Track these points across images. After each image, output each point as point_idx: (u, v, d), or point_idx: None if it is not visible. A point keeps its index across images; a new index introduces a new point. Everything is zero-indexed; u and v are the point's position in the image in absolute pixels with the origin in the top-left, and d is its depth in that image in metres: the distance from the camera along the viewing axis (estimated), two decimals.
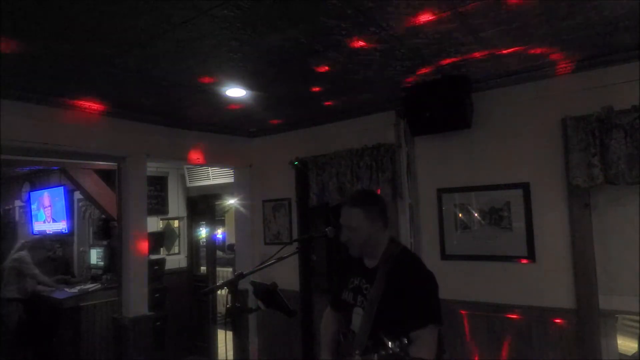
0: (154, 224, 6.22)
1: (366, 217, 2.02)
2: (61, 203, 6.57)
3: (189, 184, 6.58)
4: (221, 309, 6.19)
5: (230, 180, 5.51)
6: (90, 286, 5.38)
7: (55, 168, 6.51)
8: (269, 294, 2.29)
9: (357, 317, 2.04)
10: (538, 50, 2.82)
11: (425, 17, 2.29)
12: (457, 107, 3.33)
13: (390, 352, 1.78)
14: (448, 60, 2.96)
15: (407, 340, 1.81)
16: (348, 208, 2.07)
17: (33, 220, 7.35)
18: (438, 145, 3.71)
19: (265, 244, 4.96)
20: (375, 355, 1.70)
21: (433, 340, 1.91)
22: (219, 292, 2.36)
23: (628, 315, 3.05)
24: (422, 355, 1.83)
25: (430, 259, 3.64)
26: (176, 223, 6.62)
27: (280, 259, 2.28)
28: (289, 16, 2.22)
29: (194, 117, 4.32)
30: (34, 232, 7.41)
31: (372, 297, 1.97)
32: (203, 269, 6.58)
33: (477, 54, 2.85)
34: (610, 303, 2.96)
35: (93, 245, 6.26)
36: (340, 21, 2.29)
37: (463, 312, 3.46)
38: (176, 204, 6.57)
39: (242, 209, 5.20)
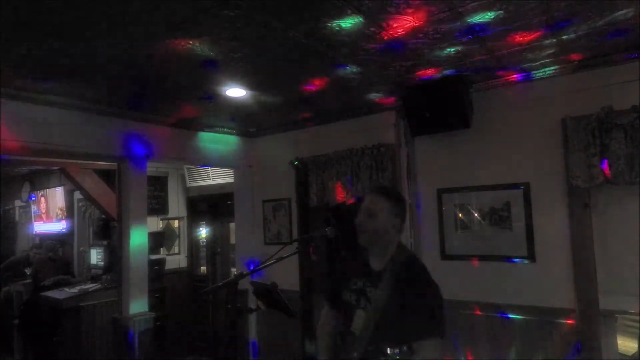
0: (154, 224, 6.22)
1: (389, 208, 1.99)
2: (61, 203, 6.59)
3: (189, 184, 6.58)
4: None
5: (230, 180, 5.51)
6: (90, 286, 5.37)
7: (56, 168, 6.51)
8: (269, 294, 2.29)
9: (359, 320, 1.99)
10: (538, 50, 2.82)
11: (425, 17, 2.29)
12: (457, 107, 3.33)
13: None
14: (448, 61, 2.95)
15: (410, 349, 1.81)
16: (376, 195, 2.05)
17: (33, 220, 7.36)
18: (438, 145, 3.71)
19: (265, 244, 4.96)
20: None
21: (435, 351, 1.88)
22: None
23: (628, 315, 3.05)
24: None
25: (430, 259, 3.64)
26: (176, 223, 6.61)
27: (280, 259, 2.28)
28: (289, 16, 2.22)
29: (194, 117, 4.32)
30: (34, 232, 7.42)
31: (377, 302, 1.93)
32: (203, 269, 6.58)
33: (477, 54, 2.85)
34: (610, 303, 2.96)
35: (93, 245, 6.25)
36: (341, 21, 2.30)
37: (463, 312, 3.46)
38: (176, 204, 6.57)
39: (242, 208, 5.20)
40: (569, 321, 3.05)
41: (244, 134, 5.02)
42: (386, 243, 2.01)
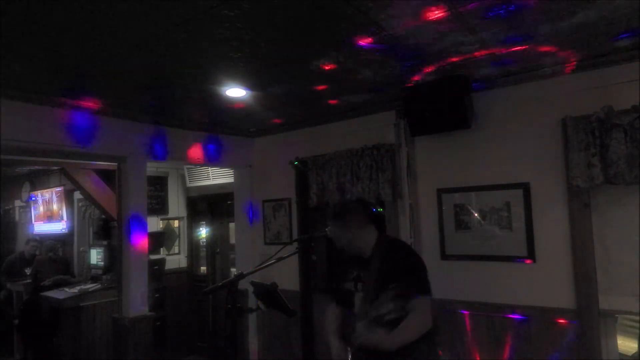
0: (154, 224, 6.22)
1: (340, 227, 2.36)
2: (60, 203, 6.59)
3: (189, 184, 6.58)
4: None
5: (230, 180, 5.51)
6: (90, 286, 5.38)
7: (56, 168, 6.51)
8: (269, 294, 2.29)
9: (358, 302, 2.32)
10: (538, 50, 2.82)
11: (425, 17, 2.29)
12: (457, 107, 3.33)
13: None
14: (448, 60, 2.95)
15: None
16: (330, 223, 2.44)
17: (33, 220, 7.36)
18: (438, 145, 3.71)
19: (265, 244, 4.96)
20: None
21: (426, 309, 2.19)
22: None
23: (628, 315, 3.05)
24: (416, 324, 2.15)
25: (430, 259, 3.63)
26: (176, 223, 6.61)
27: (280, 259, 2.29)
28: (289, 16, 2.22)
29: (194, 117, 4.32)
30: (34, 232, 7.42)
31: (369, 281, 2.27)
32: (203, 269, 6.58)
33: (477, 54, 2.85)
34: (610, 303, 2.96)
35: (93, 245, 6.25)
36: (341, 21, 2.30)
37: (463, 312, 3.46)
38: (176, 204, 6.57)
39: (242, 209, 5.20)
40: (569, 321, 3.06)
41: (243, 134, 5.02)
42: (361, 242, 2.35)
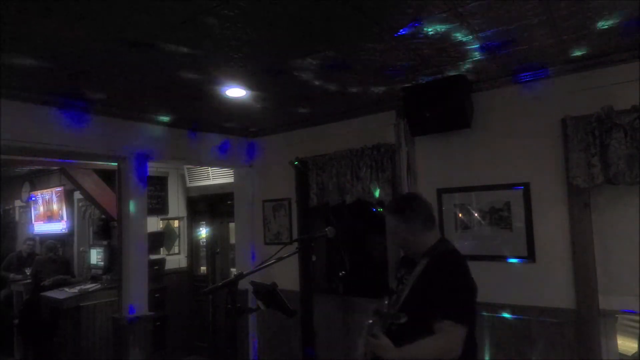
0: (154, 224, 6.22)
1: (399, 222, 2.21)
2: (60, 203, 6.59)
3: (189, 184, 6.58)
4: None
5: (230, 180, 5.51)
6: (90, 286, 5.38)
7: (56, 168, 6.51)
8: (269, 294, 2.29)
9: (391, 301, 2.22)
10: (538, 50, 2.82)
11: (425, 17, 2.29)
12: (457, 107, 3.33)
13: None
14: (448, 61, 2.95)
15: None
16: (387, 214, 2.33)
17: (33, 220, 7.36)
18: (438, 145, 3.71)
19: (265, 244, 4.96)
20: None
21: (454, 336, 1.93)
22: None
23: (628, 315, 3.05)
24: (436, 347, 1.93)
25: None
26: (176, 223, 6.62)
27: (280, 259, 2.29)
28: (289, 16, 2.22)
29: (194, 117, 4.32)
30: (34, 232, 7.43)
31: (406, 284, 2.16)
32: (203, 269, 6.58)
33: (477, 54, 2.85)
34: (610, 303, 2.96)
35: (93, 245, 6.26)
36: (341, 21, 2.30)
37: None
38: (176, 204, 6.57)
39: (242, 208, 5.20)
40: (569, 321, 3.05)
41: (243, 134, 5.02)
42: (414, 244, 2.21)
